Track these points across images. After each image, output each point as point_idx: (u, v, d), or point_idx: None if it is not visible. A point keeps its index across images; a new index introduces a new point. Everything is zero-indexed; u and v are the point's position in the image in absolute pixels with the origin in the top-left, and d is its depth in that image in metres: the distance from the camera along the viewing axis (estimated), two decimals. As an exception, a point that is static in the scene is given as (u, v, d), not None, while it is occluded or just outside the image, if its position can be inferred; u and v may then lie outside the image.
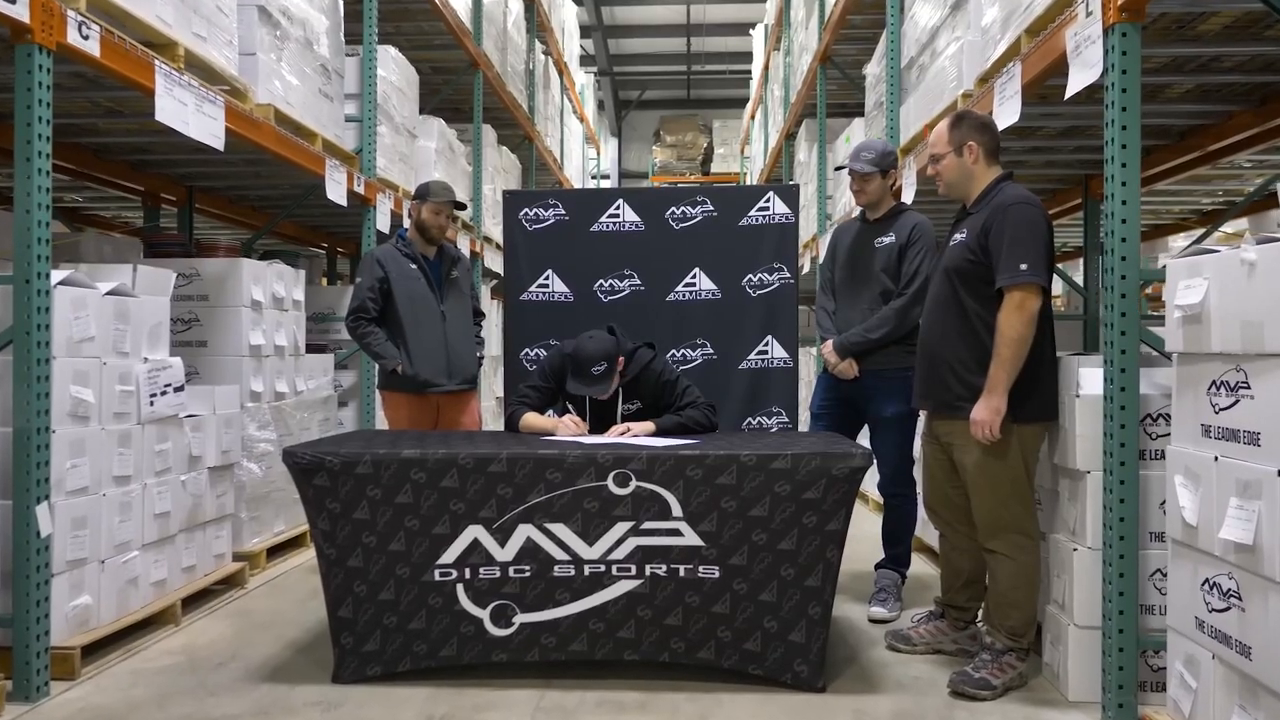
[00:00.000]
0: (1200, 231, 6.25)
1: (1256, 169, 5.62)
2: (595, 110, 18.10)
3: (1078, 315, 5.79)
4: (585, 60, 16.94)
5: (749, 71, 15.56)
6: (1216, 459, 2.22)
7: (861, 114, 6.68)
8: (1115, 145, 2.65)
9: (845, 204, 6.90)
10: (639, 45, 18.45)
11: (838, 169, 3.96)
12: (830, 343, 3.81)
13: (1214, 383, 2.25)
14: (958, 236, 3.03)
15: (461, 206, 4.43)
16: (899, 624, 3.56)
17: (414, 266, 4.21)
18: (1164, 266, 2.55)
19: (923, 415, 3.41)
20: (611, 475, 2.88)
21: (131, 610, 3.43)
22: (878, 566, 3.92)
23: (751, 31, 14.39)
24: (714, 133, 19.25)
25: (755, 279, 4.61)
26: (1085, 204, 5.55)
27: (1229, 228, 7.16)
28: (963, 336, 2.96)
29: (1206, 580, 2.27)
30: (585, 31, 16.20)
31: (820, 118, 7.74)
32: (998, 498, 2.95)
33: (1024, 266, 2.79)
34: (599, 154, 18.58)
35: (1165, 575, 2.76)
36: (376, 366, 4.31)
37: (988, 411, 2.84)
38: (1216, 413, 2.24)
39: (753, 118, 14.39)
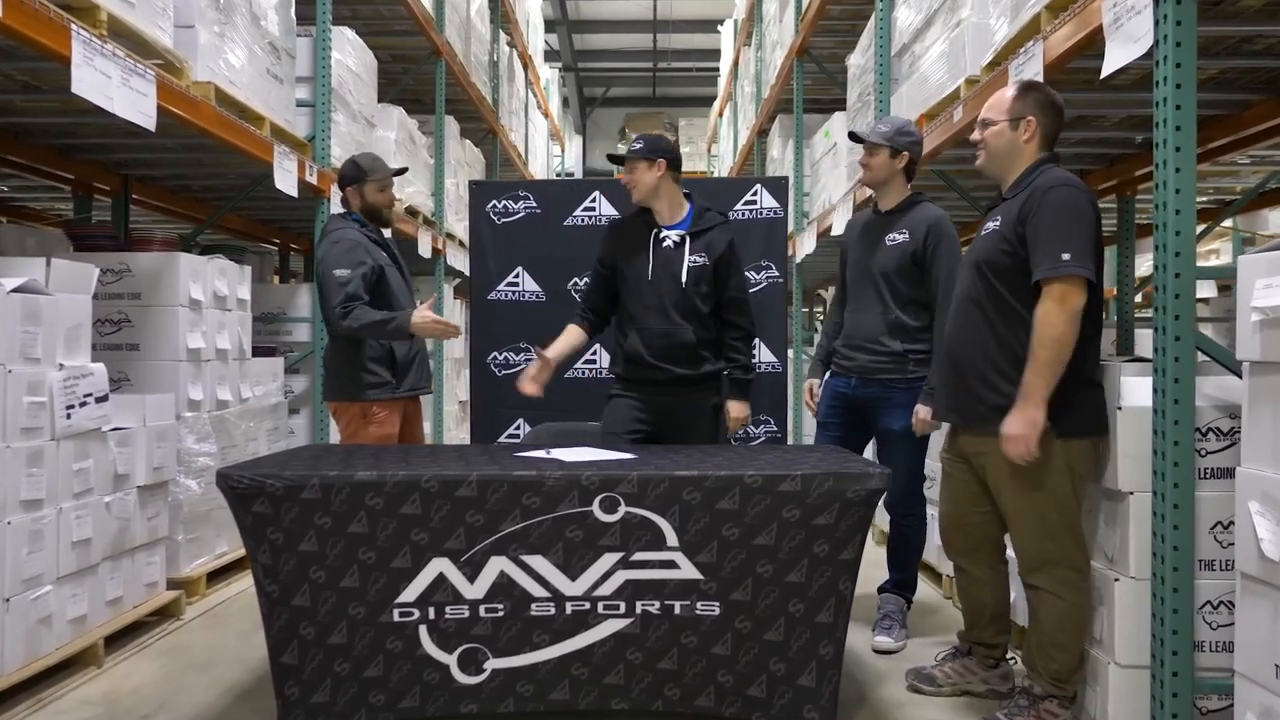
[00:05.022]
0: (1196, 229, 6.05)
1: (1256, 165, 5.42)
2: (560, 107, 17.73)
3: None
4: (550, 56, 16.55)
5: (716, 69, 15.29)
6: (1306, 485, 1.93)
7: (840, 108, 6.42)
8: (1168, 127, 2.35)
9: (824, 201, 6.63)
10: (604, 41, 18.12)
11: (850, 135, 3.58)
12: (922, 409, 3.25)
13: (1303, 397, 1.96)
14: (990, 225, 2.70)
15: (402, 172, 3.95)
16: (917, 660, 3.22)
17: (384, 254, 3.73)
18: (1224, 263, 2.27)
19: (945, 428, 3.06)
20: (598, 500, 2.52)
21: (43, 654, 3.00)
22: (881, 590, 3.61)
23: (719, 28, 14.13)
24: (679, 131, 18.98)
25: (742, 277, 4.29)
26: (1082, 201, 5.31)
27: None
28: (998, 339, 2.62)
29: (1293, 624, 1.98)
30: (550, 26, 15.82)
31: (797, 113, 7.50)
32: (1044, 529, 2.61)
33: (1066, 256, 2.46)
34: (563, 151, 18.23)
35: (1217, 608, 2.49)
36: (356, 376, 3.59)
37: (1024, 424, 2.49)
38: (1305, 431, 1.95)
39: (720, 115, 14.13)
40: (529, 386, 3.31)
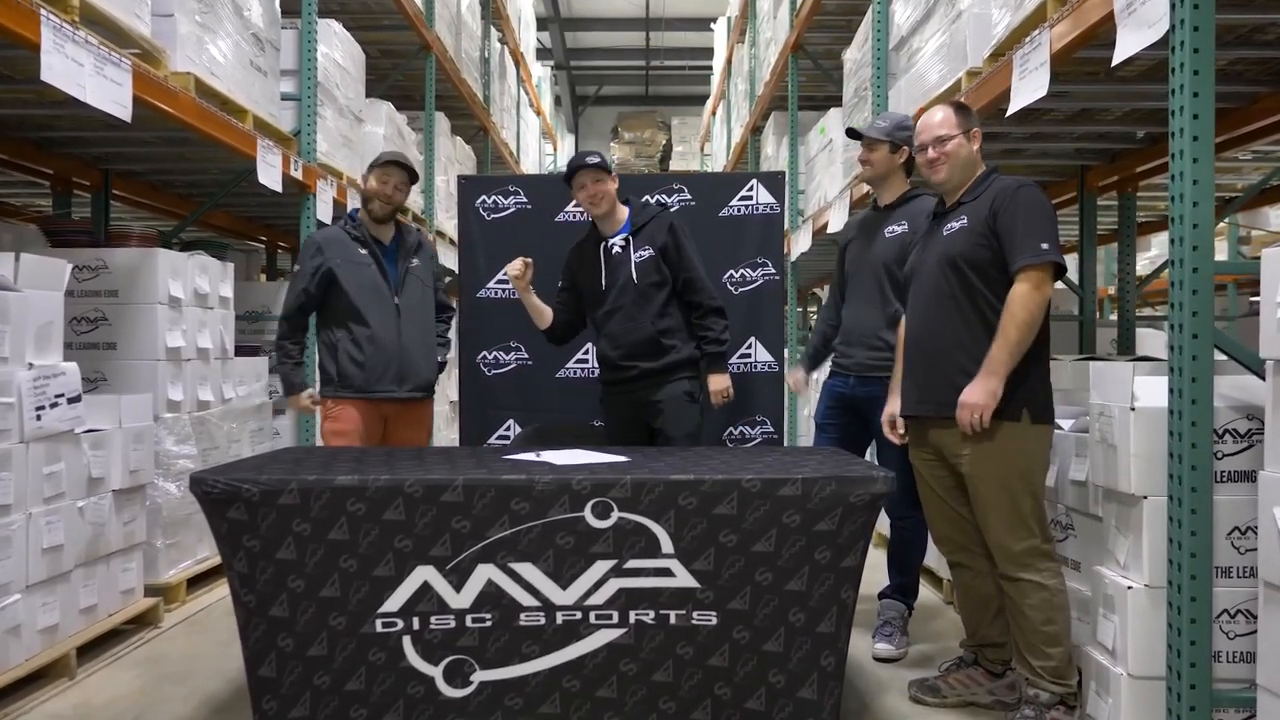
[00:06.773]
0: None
1: (1257, 161, 5.34)
2: (552, 105, 17.60)
3: (1072, 316, 5.45)
4: (542, 53, 16.43)
5: (709, 67, 15.19)
6: (1335, 489, 1.83)
7: (835, 104, 6.33)
8: (1185, 116, 2.26)
9: (820, 199, 6.53)
10: (597, 39, 18.00)
11: (848, 132, 3.57)
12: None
13: (1333, 397, 1.86)
14: (955, 225, 2.74)
15: (414, 175, 3.78)
16: (918, 667, 3.15)
17: (364, 251, 3.60)
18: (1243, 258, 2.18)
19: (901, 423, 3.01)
20: (589, 505, 2.42)
21: (12, 665, 2.88)
22: (881, 596, 3.51)
23: (713, 26, 14.05)
24: (672, 130, 18.86)
25: (737, 275, 4.20)
26: (1081, 197, 5.22)
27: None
28: (973, 334, 2.66)
29: (1321, 636, 1.88)
30: (542, 24, 15.71)
31: (792, 109, 7.41)
32: (1019, 517, 2.63)
33: (1045, 246, 2.59)
34: (555, 150, 18.12)
35: (1234, 617, 2.39)
36: (316, 368, 3.81)
37: (984, 394, 2.55)
38: (1334, 433, 1.86)
39: (713, 113, 14.04)
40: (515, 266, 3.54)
